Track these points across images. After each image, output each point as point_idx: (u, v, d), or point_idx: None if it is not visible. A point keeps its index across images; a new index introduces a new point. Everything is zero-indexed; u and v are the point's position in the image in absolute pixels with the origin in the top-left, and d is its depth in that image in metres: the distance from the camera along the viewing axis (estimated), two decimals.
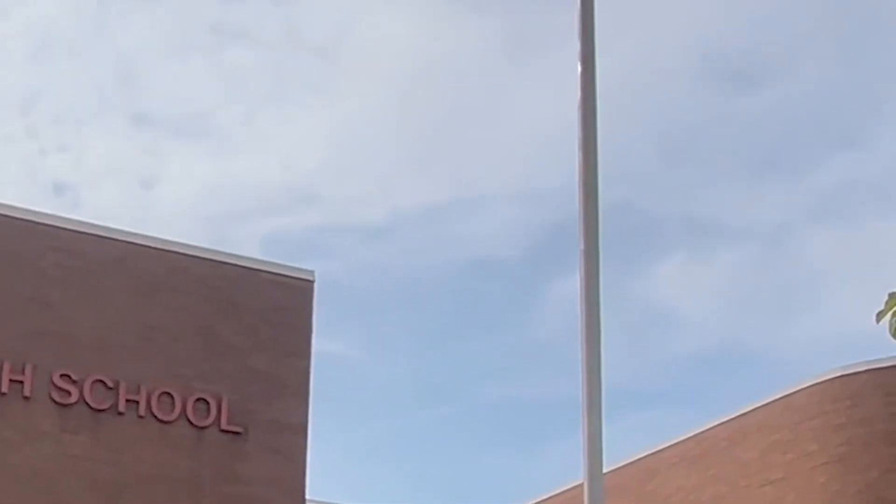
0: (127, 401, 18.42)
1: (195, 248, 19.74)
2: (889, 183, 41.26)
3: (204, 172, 44.48)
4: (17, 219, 18.68)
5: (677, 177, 43.33)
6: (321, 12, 42.69)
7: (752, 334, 44.31)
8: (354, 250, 44.43)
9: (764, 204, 42.87)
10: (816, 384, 23.13)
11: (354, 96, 42.84)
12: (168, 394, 18.70)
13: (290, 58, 43.29)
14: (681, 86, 41.75)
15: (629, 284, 40.24)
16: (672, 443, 25.80)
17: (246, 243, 44.24)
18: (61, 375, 18.17)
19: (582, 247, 10.34)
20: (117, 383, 18.44)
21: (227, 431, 18.91)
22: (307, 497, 19.37)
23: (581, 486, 9.65)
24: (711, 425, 24.95)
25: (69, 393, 18.16)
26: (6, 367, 17.90)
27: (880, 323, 7.51)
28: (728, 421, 24.58)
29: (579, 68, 10.96)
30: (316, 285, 20.23)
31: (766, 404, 23.88)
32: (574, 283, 10.33)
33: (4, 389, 17.83)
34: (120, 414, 18.36)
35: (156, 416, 18.54)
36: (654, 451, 26.25)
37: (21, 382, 17.93)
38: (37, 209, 19.08)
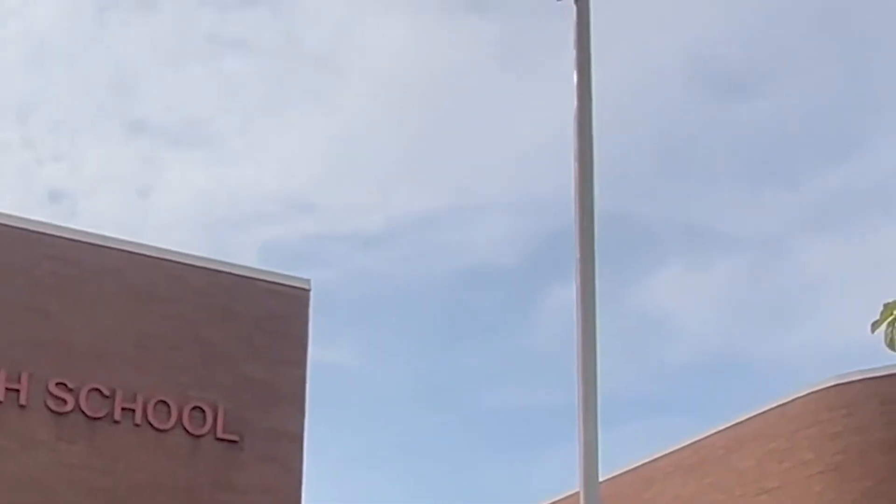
0: (123, 409, 18.42)
1: (191, 256, 19.75)
2: (885, 192, 41.31)
3: (200, 181, 44.51)
4: (13, 227, 18.69)
5: (674, 185, 43.37)
6: (318, 21, 42.74)
7: (749, 343, 44.34)
8: (351, 258, 44.45)
9: (760, 213, 42.92)
10: (812, 393, 23.17)
11: (351, 105, 42.88)
12: (164, 402, 18.70)
13: (287, 66, 43.34)
14: (677, 95, 41.81)
15: (625, 293, 40.26)
16: (669, 451, 25.83)
17: (242, 252, 44.29)
18: (57, 384, 18.16)
19: (578, 255, 10.34)
20: (113, 392, 18.43)
21: (223, 440, 18.91)
22: None
23: (577, 494, 9.65)
24: (708, 434, 24.98)
25: (65, 401, 18.16)
26: (2, 375, 17.90)
27: (875, 333, 7.52)
28: (725, 429, 24.62)
29: (575, 77, 10.97)
30: (312, 293, 20.24)
31: (763, 413, 23.92)
32: (571, 291, 10.33)
33: (1, 398, 17.82)
34: (116, 422, 18.36)
35: (152, 425, 18.54)
36: (650, 459, 26.28)
37: (17, 391, 17.93)
38: (33, 218, 19.11)
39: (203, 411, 18.90)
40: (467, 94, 42.01)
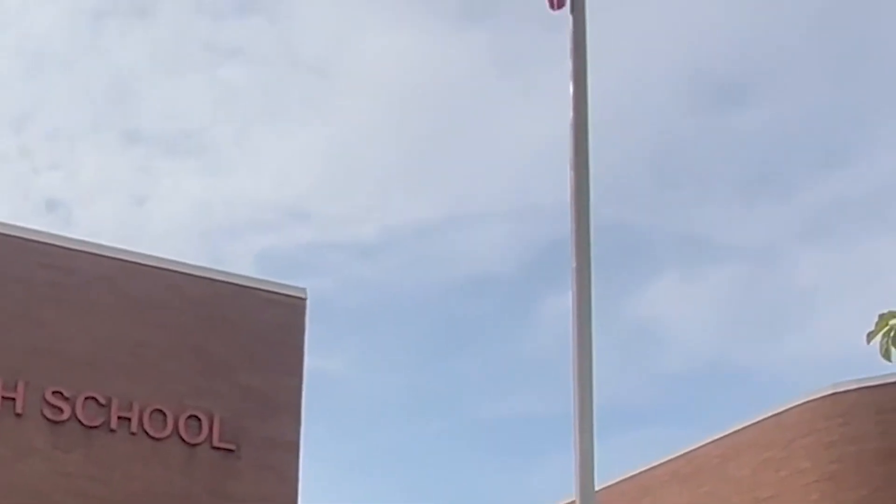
0: (119, 418, 18.42)
1: (187, 265, 19.76)
2: (880, 202, 41.37)
3: (197, 190, 44.52)
4: (9, 236, 18.70)
5: (668, 195, 43.42)
6: (315, 30, 42.78)
7: (744, 352, 44.38)
8: (347, 267, 44.45)
9: (755, 222, 42.97)
10: (808, 402, 23.19)
11: (348, 113, 42.90)
12: (160, 411, 18.70)
13: (284, 75, 43.36)
14: (672, 104, 41.87)
15: (621, 302, 40.27)
16: (664, 460, 25.83)
17: (238, 260, 44.33)
18: (53, 392, 18.17)
19: (574, 264, 10.37)
20: (109, 400, 18.43)
21: (219, 449, 18.91)
22: None
23: (573, 503, 9.67)
24: (704, 443, 24.99)
25: (61, 410, 18.16)
26: None
27: (871, 343, 7.55)
28: (720, 438, 24.63)
29: (571, 87, 11.01)
30: (308, 302, 20.25)
31: (758, 422, 23.93)
32: (567, 299, 10.36)
33: None
34: (112, 431, 18.36)
35: (148, 434, 18.54)
36: (646, 468, 26.28)
37: (13, 399, 17.93)
38: (29, 226, 19.11)
39: (199, 420, 18.90)
40: (464, 103, 42.07)
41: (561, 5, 11.26)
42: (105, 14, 42.43)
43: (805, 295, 43.04)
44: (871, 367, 21.77)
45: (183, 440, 18.74)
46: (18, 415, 17.92)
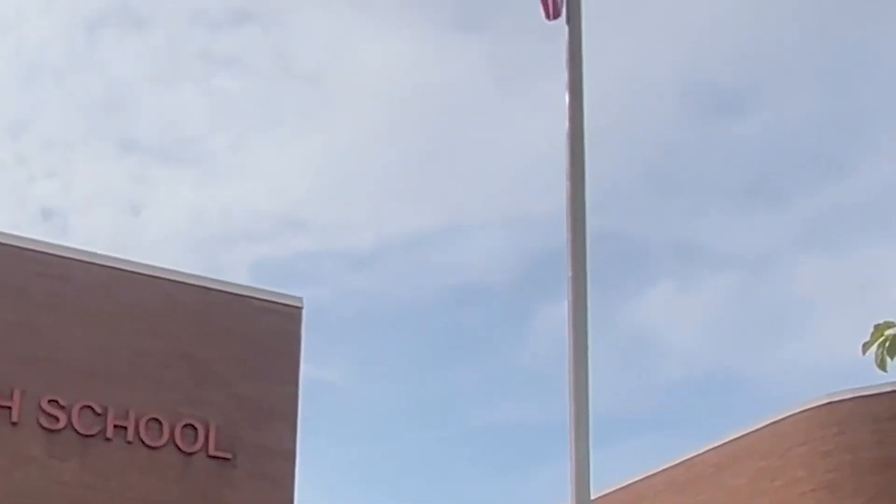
0: (115, 427, 18.41)
1: (183, 274, 19.76)
2: (876, 211, 41.41)
3: (192, 198, 44.52)
4: (4, 244, 18.70)
5: (664, 204, 43.46)
6: (310, 40, 42.83)
7: (739, 361, 44.39)
8: (343, 276, 44.47)
9: (751, 231, 43.00)
10: (804, 411, 23.20)
11: (343, 123, 42.94)
12: (156, 420, 18.69)
13: (279, 85, 43.39)
14: (668, 113, 41.91)
15: (617, 311, 40.30)
16: (660, 469, 25.82)
17: (234, 269, 44.29)
18: (49, 401, 18.16)
19: (570, 273, 10.39)
20: (105, 409, 18.43)
21: (215, 457, 18.90)
22: None
23: None
24: (700, 452, 24.99)
25: (57, 419, 18.15)
26: None
27: (866, 354, 7.56)
28: (716, 447, 24.62)
29: (567, 98, 11.03)
30: (304, 311, 20.25)
31: (754, 431, 23.94)
32: (562, 309, 10.37)
33: None
34: (108, 440, 18.35)
35: (144, 442, 18.53)
36: (642, 477, 26.27)
37: (9, 408, 17.92)
38: (25, 235, 19.12)
39: (195, 429, 18.90)
40: (459, 112, 42.11)
41: (557, 15, 11.30)
42: (101, 24, 42.49)
43: (802, 304, 43.09)
44: (867, 377, 21.80)
45: (179, 449, 18.73)
46: (14, 423, 17.91)
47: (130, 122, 42.19)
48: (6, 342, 18.23)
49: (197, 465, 18.81)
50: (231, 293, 19.90)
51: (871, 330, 7.58)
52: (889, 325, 7.53)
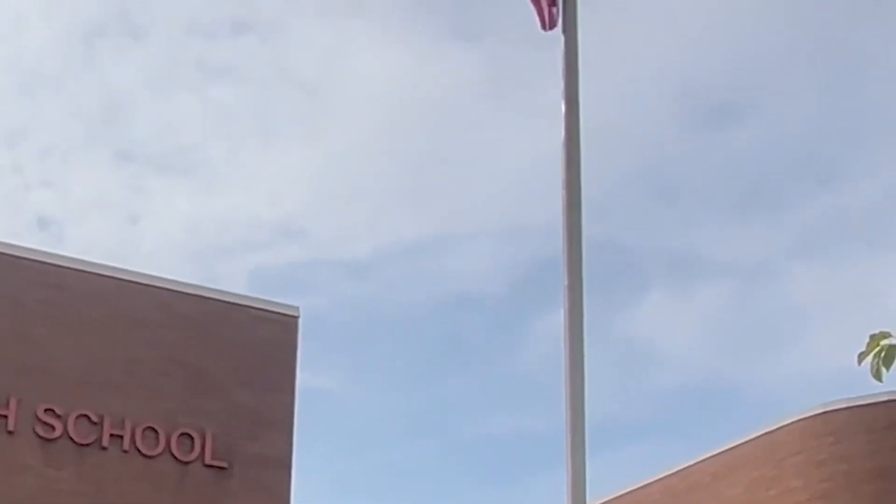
0: (111, 435, 18.42)
1: (180, 283, 19.78)
2: (870, 220, 41.47)
3: (189, 208, 44.53)
4: (1, 253, 18.71)
5: (660, 213, 43.50)
6: (307, 49, 42.87)
7: (735, 370, 44.41)
8: (339, 285, 44.48)
9: (746, 240, 43.05)
10: (799, 421, 23.23)
11: (339, 132, 42.97)
12: (152, 428, 18.70)
13: (275, 94, 43.42)
14: (663, 122, 41.97)
15: (612, 319, 40.35)
16: (656, 478, 25.85)
17: (231, 278, 44.24)
18: (45, 410, 18.17)
19: (566, 282, 10.41)
20: (101, 418, 18.44)
21: (211, 466, 18.91)
22: None
23: None
24: (695, 461, 25.02)
25: (53, 427, 18.16)
26: None
27: (862, 364, 7.57)
28: (712, 456, 24.65)
29: (563, 107, 11.06)
30: (301, 320, 20.27)
31: (750, 440, 23.97)
32: (558, 318, 10.39)
33: None
34: (104, 448, 18.35)
35: (140, 451, 18.54)
36: (638, 486, 26.29)
37: (5, 417, 17.93)
38: (21, 244, 19.12)
39: (191, 438, 18.91)
40: (456, 122, 42.16)
41: (553, 25, 11.33)
42: (98, 33, 42.52)
43: (797, 312, 43.11)
44: (862, 386, 21.84)
45: (175, 458, 18.74)
46: (10, 432, 17.92)
47: (127, 131, 42.23)
48: (2, 351, 18.24)
49: (193, 473, 18.82)
50: (227, 302, 19.92)
51: (867, 340, 7.58)
52: (885, 335, 7.53)
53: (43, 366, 18.38)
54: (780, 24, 39.74)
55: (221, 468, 18.97)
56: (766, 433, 23.68)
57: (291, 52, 42.87)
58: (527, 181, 39.67)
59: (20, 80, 41.69)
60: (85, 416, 18.37)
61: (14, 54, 41.06)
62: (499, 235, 43.89)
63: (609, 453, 35.34)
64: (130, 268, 19.63)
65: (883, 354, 7.50)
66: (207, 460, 18.89)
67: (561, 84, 11.19)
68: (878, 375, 7.54)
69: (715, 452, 24.61)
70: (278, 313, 20.12)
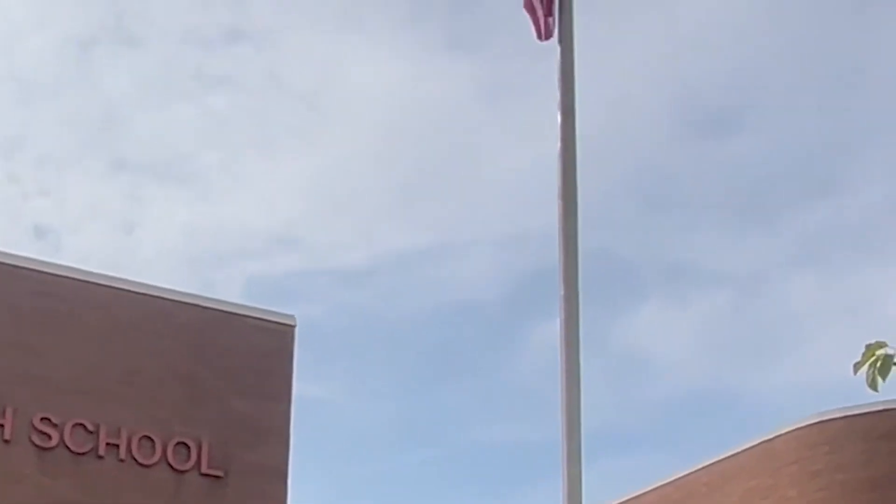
0: (107, 444, 18.40)
1: (176, 292, 19.77)
2: (867, 230, 41.52)
3: (185, 217, 44.53)
4: None
5: (656, 223, 43.54)
6: (303, 59, 42.91)
7: (730, 379, 44.45)
8: (335, 294, 44.49)
9: (741, 250, 43.10)
10: (794, 430, 23.24)
11: (336, 141, 43.00)
12: (149, 437, 18.69)
13: (272, 104, 43.46)
14: (659, 132, 42.03)
15: (609, 329, 40.38)
16: (651, 488, 25.85)
17: (227, 287, 44.24)
18: (42, 419, 18.15)
19: (562, 292, 10.44)
20: (98, 427, 18.42)
21: (207, 475, 18.89)
22: None
23: None
24: (691, 470, 25.02)
25: (49, 436, 18.15)
26: None
27: (858, 374, 7.59)
28: (707, 466, 24.66)
29: (559, 117, 11.10)
30: (297, 329, 20.27)
31: (745, 450, 23.97)
32: (554, 327, 10.42)
33: None
34: (100, 458, 18.34)
35: (136, 460, 18.52)
36: (633, 495, 26.29)
37: (1, 426, 17.90)
38: (18, 253, 19.11)
39: (188, 447, 18.90)
40: (452, 131, 42.20)
41: (549, 35, 11.38)
42: (94, 42, 42.57)
43: (792, 322, 43.14)
44: (858, 395, 21.85)
45: (171, 467, 18.73)
46: (6, 441, 17.91)
47: (123, 140, 42.24)
48: None
49: (189, 483, 18.81)
50: (224, 311, 19.91)
51: (863, 350, 7.60)
52: (880, 345, 7.55)
53: (39, 374, 18.37)
54: (776, 33, 39.82)
55: (218, 477, 18.95)
56: (762, 442, 23.69)
57: (288, 62, 42.95)
58: (523, 190, 39.72)
59: (16, 90, 41.73)
60: (81, 424, 18.35)
61: (10, 63, 41.09)
62: (495, 244, 43.93)
63: (605, 462, 35.37)
64: (127, 276, 19.64)
65: (879, 364, 7.51)
66: (204, 469, 18.88)
67: (557, 94, 11.23)
68: (873, 385, 7.55)
69: (710, 462, 24.62)
70: (275, 322, 20.11)
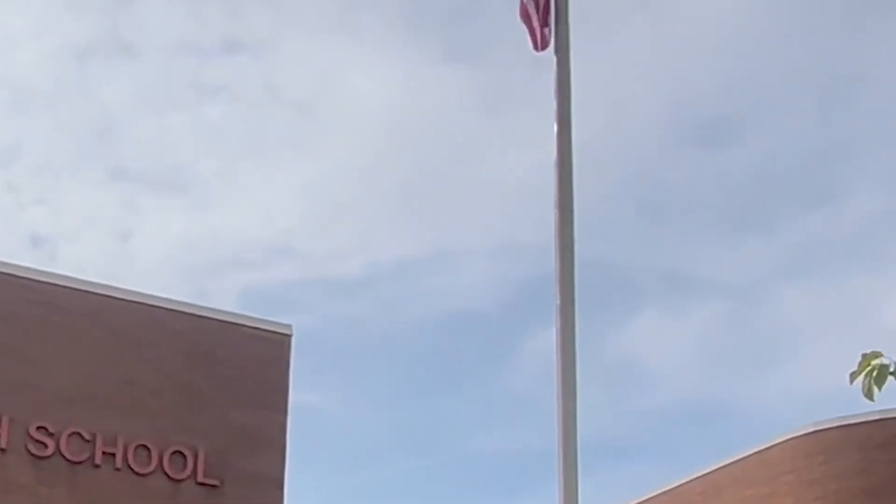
0: (104, 453, 18.40)
1: (173, 301, 19.78)
2: (863, 240, 41.57)
3: (181, 226, 44.53)
4: None
5: (652, 232, 43.56)
6: (299, 69, 42.94)
7: (727, 389, 44.45)
8: (331, 303, 44.47)
9: (738, 259, 43.12)
10: (790, 440, 23.26)
11: (332, 151, 43.03)
12: (145, 446, 18.68)
13: (268, 113, 43.47)
14: (655, 142, 42.07)
15: (605, 338, 40.37)
16: (647, 497, 25.86)
17: (223, 296, 44.27)
18: (38, 428, 18.15)
19: (558, 302, 10.46)
20: (94, 436, 18.42)
21: (203, 484, 18.89)
22: None
23: None
24: (686, 479, 25.03)
25: (46, 445, 18.14)
26: None
27: (854, 383, 7.59)
28: (703, 475, 24.67)
29: (555, 127, 11.12)
30: (293, 339, 20.28)
31: (741, 459, 23.99)
32: (550, 336, 10.44)
33: None
34: (96, 466, 18.34)
35: (132, 469, 18.52)
36: None
37: None
38: (14, 262, 19.11)
39: (184, 455, 18.89)
40: (448, 141, 42.22)
41: (545, 46, 11.40)
42: (91, 52, 42.58)
43: (789, 332, 43.17)
44: (854, 405, 21.87)
45: (167, 476, 18.73)
46: (2, 450, 17.90)
47: (120, 149, 42.23)
48: None
49: (185, 492, 18.80)
50: (220, 320, 19.93)
51: (859, 359, 7.61)
52: (876, 354, 7.56)
53: (35, 383, 18.36)
54: (772, 42, 39.89)
55: (214, 486, 18.95)
56: (758, 452, 23.71)
57: (284, 71, 42.96)
58: (519, 200, 39.73)
59: (13, 98, 41.74)
60: (77, 433, 18.35)
61: (7, 72, 41.09)
62: (491, 253, 43.95)
63: (601, 472, 35.35)
64: (123, 285, 19.65)
65: (875, 374, 7.52)
66: (200, 478, 18.88)
67: (553, 103, 11.25)
68: (869, 395, 7.56)
69: (706, 471, 24.64)
70: (271, 331, 20.12)
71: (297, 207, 44.47)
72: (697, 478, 24.75)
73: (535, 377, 40.92)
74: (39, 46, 41.69)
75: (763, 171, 41.99)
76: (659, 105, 41.08)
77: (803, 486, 22.73)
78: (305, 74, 42.70)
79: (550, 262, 10.65)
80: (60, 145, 42.84)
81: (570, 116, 11.12)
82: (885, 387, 7.53)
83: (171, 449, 18.82)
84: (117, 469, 18.43)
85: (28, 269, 19.07)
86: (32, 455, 18.06)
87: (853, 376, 7.59)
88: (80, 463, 18.26)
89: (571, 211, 10.79)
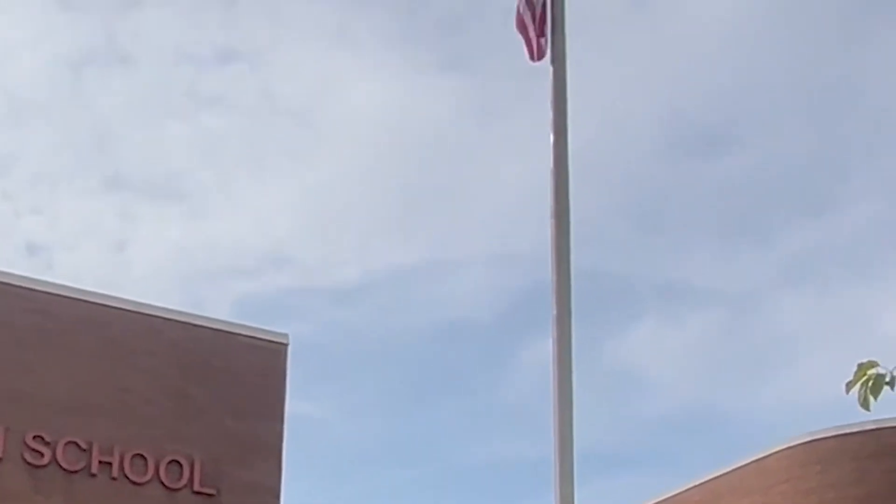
0: (100, 462, 18.40)
1: (169, 310, 19.78)
2: (859, 249, 41.61)
3: (177, 235, 44.53)
4: None
5: (648, 242, 43.60)
6: (296, 78, 42.98)
7: (723, 398, 44.50)
8: (327, 312, 44.47)
9: (735, 268, 43.16)
10: (786, 449, 23.28)
11: (328, 160, 43.06)
12: (141, 455, 18.68)
13: (264, 122, 43.51)
14: (651, 152, 42.11)
15: (601, 348, 40.40)
16: None
17: (219, 305, 44.32)
18: (34, 437, 18.14)
19: (554, 312, 10.46)
20: (90, 445, 18.41)
21: (199, 493, 18.88)
22: None
23: None
24: (683, 489, 25.04)
25: (42, 454, 18.13)
26: None
27: (850, 393, 7.60)
28: (700, 484, 24.68)
29: (552, 136, 11.13)
30: (289, 348, 20.28)
31: (738, 468, 24.01)
32: (547, 345, 10.44)
33: None
34: (93, 475, 18.33)
35: (129, 478, 18.51)
36: None
37: None
38: (10, 270, 19.11)
39: (180, 465, 18.89)
40: (444, 150, 42.26)
41: (541, 56, 11.43)
42: (87, 61, 42.59)
43: (785, 341, 43.19)
44: (850, 414, 21.90)
45: (164, 485, 18.72)
46: None
47: (116, 158, 42.26)
48: None
49: (182, 500, 18.79)
50: (216, 329, 19.93)
51: (855, 369, 7.62)
52: (872, 364, 7.57)
53: (31, 392, 18.36)
54: (767, 52, 39.94)
55: (210, 495, 18.94)
56: (754, 461, 23.73)
57: (281, 81, 42.99)
58: (515, 210, 39.77)
59: (9, 108, 41.75)
60: (73, 443, 18.34)
61: (3, 82, 41.10)
62: (487, 263, 43.98)
63: (597, 481, 35.32)
64: (119, 294, 19.65)
65: (870, 383, 7.53)
66: (196, 487, 18.87)
67: (549, 113, 11.27)
68: (865, 404, 7.57)
69: (703, 480, 24.65)
70: (267, 340, 20.13)
71: (293, 216, 44.51)
72: (694, 487, 24.76)
73: (531, 387, 40.94)
74: (36, 56, 41.74)
75: (759, 181, 42.06)
76: (655, 114, 41.14)
77: (799, 495, 22.74)
78: (302, 84, 42.74)
79: (547, 271, 10.66)
80: (57, 154, 42.87)
81: (567, 126, 11.14)
82: (880, 396, 7.54)
83: (168, 458, 18.82)
84: (113, 478, 18.42)
85: (24, 277, 19.07)
86: (29, 464, 18.05)
87: (849, 386, 7.61)
88: (76, 472, 18.25)
89: (568, 220, 10.80)
